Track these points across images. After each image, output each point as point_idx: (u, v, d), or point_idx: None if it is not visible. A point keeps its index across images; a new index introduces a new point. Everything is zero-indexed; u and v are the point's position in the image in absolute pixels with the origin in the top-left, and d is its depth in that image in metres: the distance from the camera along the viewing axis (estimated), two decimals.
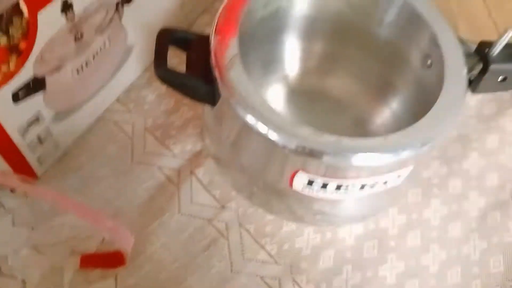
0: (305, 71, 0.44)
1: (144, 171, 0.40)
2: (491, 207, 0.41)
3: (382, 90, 0.42)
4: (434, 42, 0.34)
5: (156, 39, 0.32)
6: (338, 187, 0.31)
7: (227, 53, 0.30)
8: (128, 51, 0.41)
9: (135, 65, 0.44)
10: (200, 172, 0.40)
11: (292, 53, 0.43)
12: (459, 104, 0.31)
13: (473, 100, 0.47)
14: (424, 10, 0.35)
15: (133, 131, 0.42)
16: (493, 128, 0.45)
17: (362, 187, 0.31)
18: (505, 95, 0.48)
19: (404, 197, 0.41)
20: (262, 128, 0.28)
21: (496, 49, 0.33)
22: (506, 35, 0.32)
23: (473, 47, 0.35)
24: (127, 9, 0.38)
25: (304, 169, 0.30)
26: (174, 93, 0.44)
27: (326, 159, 0.28)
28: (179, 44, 0.33)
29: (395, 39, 0.38)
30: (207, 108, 0.36)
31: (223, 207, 0.39)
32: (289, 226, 0.39)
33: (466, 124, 0.46)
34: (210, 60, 0.30)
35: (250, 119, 0.28)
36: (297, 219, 0.39)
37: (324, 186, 0.31)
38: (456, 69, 0.32)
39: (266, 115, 0.29)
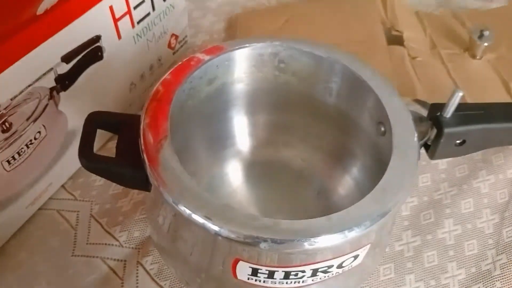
0: (259, 145, 0.42)
1: (87, 264, 0.37)
2: (473, 280, 0.38)
3: (341, 158, 0.40)
4: (381, 108, 0.32)
5: (83, 123, 0.31)
6: (287, 275, 0.28)
7: (156, 136, 0.28)
8: (70, 137, 0.39)
9: None
10: (147, 261, 0.37)
11: (242, 128, 0.41)
12: (409, 173, 0.28)
13: (444, 163, 0.45)
14: (367, 76, 0.33)
15: (78, 220, 0.39)
16: (467, 192, 0.43)
17: (314, 273, 0.28)
18: (475, 156, 0.46)
19: (375, 275, 0.37)
20: (192, 215, 0.25)
21: (448, 112, 0.31)
22: (454, 97, 0.30)
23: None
24: (65, 95, 0.37)
25: (244, 258, 0.27)
26: None
27: (263, 246, 0.25)
28: (109, 128, 0.31)
29: (345, 106, 0.37)
30: (146, 193, 0.34)
31: None
32: None
33: (438, 189, 0.43)
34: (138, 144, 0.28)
35: (179, 205, 0.26)
36: None
37: (271, 275, 0.28)
38: (405, 136, 0.30)
39: (196, 201, 0.26)
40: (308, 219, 0.26)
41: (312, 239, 0.25)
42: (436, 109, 0.32)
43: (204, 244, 0.28)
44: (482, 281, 0.38)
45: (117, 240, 0.38)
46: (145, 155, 0.28)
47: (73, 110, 0.39)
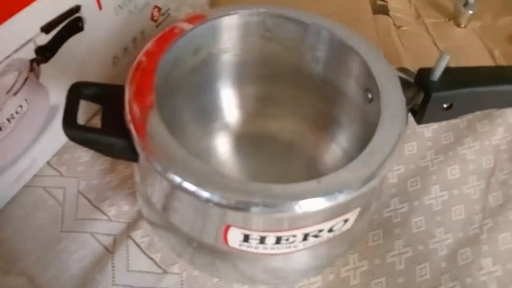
0: (246, 117, 0.42)
1: (75, 240, 0.36)
2: (460, 244, 0.38)
3: (328, 129, 0.40)
4: (369, 75, 0.32)
5: (67, 93, 0.30)
6: (278, 240, 0.28)
7: (142, 106, 0.28)
8: (53, 111, 0.38)
9: None
10: (138, 235, 0.36)
11: (229, 100, 0.41)
12: (397, 137, 0.28)
13: (429, 131, 0.46)
14: (354, 42, 0.33)
15: (65, 197, 0.39)
16: (453, 158, 0.43)
17: (305, 237, 0.28)
18: (461, 123, 0.47)
19: (364, 241, 0.38)
20: (183, 182, 0.25)
21: (435, 76, 0.31)
22: (442, 59, 0.30)
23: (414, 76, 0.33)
24: (46, 67, 0.36)
25: (236, 224, 0.27)
26: None
27: (255, 210, 0.25)
28: (93, 98, 0.31)
29: (331, 75, 0.36)
30: (133, 165, 0.33)
31: (165, 272, 0.35)
32: None
33: (424, 156, 0.44)
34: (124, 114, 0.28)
35: (168, 173, 0.25)
36: (247, 280, 0.35)
37: (262, 240, 0.28)
38: (393, 101, 0.30)
39: (185, 168, 0.26)
40: (298, 183, 0.26)
41: (302, 202, 0.25)
42: (423, 73, 0.32)
43: (196, 212, 0.28)
44: (470, 245, 0.38)
45: (106, 215, 0.38)
46: (132, 125, 0.27)
47: (56, 84, 0.37)
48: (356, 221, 0.30)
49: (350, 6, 0.53)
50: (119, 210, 0.38)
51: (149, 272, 0.35)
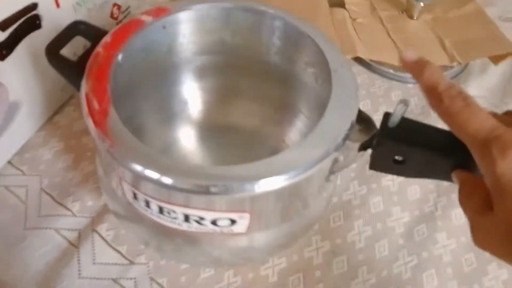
0: (208, 109, 0.42)
1: (39, 236, 0.36)
2: (416, 222, 0.40)
3: (289, 116, 0.41)
4: (323, 60, 0.32)
5: (67, 25, 0.32)
6: (161, 210, 0.28)
7: (101, 101, 0.28)
8: (13, 109, 0.38)
9: (27, 123, 0.41)
10: (103, 228, 0.37)
11: (191, 92, 0.41)
12: (348, 116, 0.29)
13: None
14: (308, 30, 0.34)
15: (27, 195, 0.39)
16: None
17: (186, 218, 0.28)
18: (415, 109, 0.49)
19: (326, 223, 0.39)
20: (144, 171, 0.25)
21: (393, 122, 0.27)
22: (397, 107, 0.26)
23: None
24: (3, 65, 0.36)
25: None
26: (73, 148, 0.42)
27: (214, 190, 0.25)
28: (87, 36, 0.32)
29: (289, 63, 0.37)
30: (97, 160, 0.33)
31: (131, 262, 0.36)
32: (207, 273, 0.36)
33: None
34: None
35: (130, 163, 0.25)
36: (215, 263, 0.36)
37: (147, 204, 0.28)
38: (344, 84, 0.31)
39: (146, 157, 0.25)
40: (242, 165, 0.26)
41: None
42: (386, 117, 0.28)
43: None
44: (425, 221, 0.40)
45: (70, 211, 0.38)
46: (91, 120, 0.27)
47: (14, 82, 0.37)
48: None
49: None
50: (83, 205, 0.38)
51: (116, 264, 0.35)
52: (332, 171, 0.30)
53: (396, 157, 0.28)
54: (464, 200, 0.25)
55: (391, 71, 0.52)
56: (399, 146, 0.27)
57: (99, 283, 0.34)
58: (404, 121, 0.27)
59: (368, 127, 0.29)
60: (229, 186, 0.25)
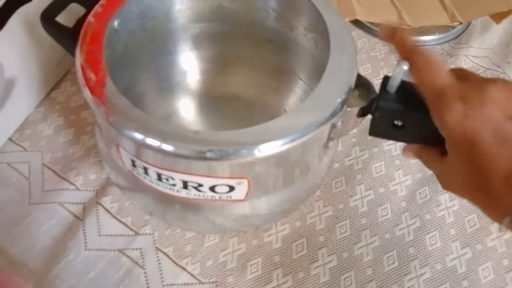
0: (208, 78, 0.42)
1: (44, 211, 0.36)
2: (419, 184, 0.40)
3: (288, 82, 0.40)
4: (319, 21, 0.31)
5: None
6: (159, 177, 0.28)
7: (96, 72, 0.27)
8: (9, 86, 0.38)
9: (26, 100, 0.41)
10: (107, 201, 0.37)
11: (188, 62, 0.40)
12: (347, 75, 0.28)
13: None
14: None
15: (30, 170, 0.39)
16: None
17: (185, 185, 0.27)
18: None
19: (328, 188, 0.39)
20: (145, 139, 0.25)
21: (392, 86, 0.26)
22: (397, 69, 0.26)
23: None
24: None
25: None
26: (73, 123, 0.42)
27: (209, 155, 0.25)
28: (83, 3, 0.32)
29: (286, 27, 0.36)
30: (97, 132, 0.33)
31: (136, 233, 0.36)
32: (211, 241, 0.36)
33: None
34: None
35: (130, 132, 0.25)
36: (219, 230, 0.36)
37: (146, 171, 0.28)
38: (344, 48, 0.29)
39: (145, 125, 0.25)
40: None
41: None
42: (385, 81, 0.27)
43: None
44: (427, 184, 0.40)
45: (73, 184, 0.38)
46: (87, 90, 0.27)
47: (9, 58, 0.37)
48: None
49: None
50: (86, 179, 0.38)
51: (121, 235, 0.36)
52: (331, 137, 0.30)
53: (395, 122, 0.28)
54: (425, 153, 0.28)
55: None
56: (398, 109, 0.27)
57: (105, 254, 0.35)
58: (404, 84, 0.26)
59: (367, 92, 0.28)
60: (225, 151, 0.24)
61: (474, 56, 0.52)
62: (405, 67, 0.25)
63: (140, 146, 0.26)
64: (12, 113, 0.39)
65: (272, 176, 0.30)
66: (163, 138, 0.24)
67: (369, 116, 0.28)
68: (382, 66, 0.49)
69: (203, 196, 0.29)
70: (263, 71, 0.41)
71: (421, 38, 0.52)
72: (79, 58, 0.28)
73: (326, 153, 0.33)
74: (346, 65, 0.29)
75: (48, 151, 0.40)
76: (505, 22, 0.52)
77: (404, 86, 0.26)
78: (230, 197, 0.29)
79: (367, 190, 0.39)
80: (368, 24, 0.52)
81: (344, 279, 0.35)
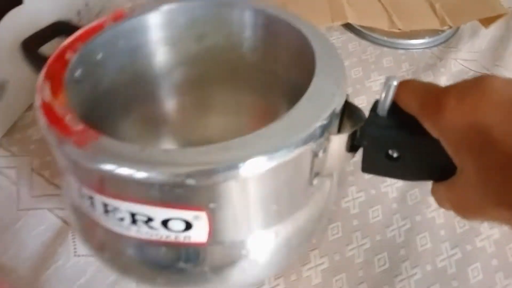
0: (188, 123, 0.38)
1: (33, 217, 0.36)
2: (409, 186, 0.40)
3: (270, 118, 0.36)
4: (309, 51, 0.27)
5: (50, 24, 0.31)
6: (106, 209, 0.23)
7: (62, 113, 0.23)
8: None
9: (14, 104, 0.41)
10: None
11: (168, 107, 0.37)
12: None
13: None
14: (288, 18, 0.29)
15: (18, 176, 0.38)
16: None
17: (133, 219, 0.23)
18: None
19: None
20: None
21: (383, 109, 0.23)
22: (386, 87, 0.22)
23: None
24: None
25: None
26: None
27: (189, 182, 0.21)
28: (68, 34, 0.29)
29: (268, 60, 0.33)
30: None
31: None
32: None
33: None
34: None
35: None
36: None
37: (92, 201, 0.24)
38: (328, 71, 0.26)
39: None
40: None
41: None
42: (376, 105, 0.24)
43: None
44: (418, 186, 0.41)
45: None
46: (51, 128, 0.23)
47: None
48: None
49: None
50: None
51: None
52: (314, 172, 0.25)
53: (390, 152, 0.24)
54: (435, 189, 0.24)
55: (383, 37, 0.52)
56: (390, 136, 0.23)
57: (95, 260, 0.34)
58: (395, 106, 0.23)
59: (355, 118, 0.25)
60: (173, 173, 0.20)
61: (463, 60, 0.52)
62: (395, 82, 0.22)
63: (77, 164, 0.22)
64: (1, 117, 0.39)
65: (239, 214, 0.24)
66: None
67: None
68: (373, 69, 0.49)
69: (156, 236, 0.24)
70: (247, 115, 0.38)
71: (411, 42, 0.52)
72: (40, 98, 0.24)
73: (312, 193, 0.28)
74: (330, 89, 0.25)
75: (37, 156, 0.40)
76: (493, 27, 0.53)
77: (397, 108, 0.23)
78: (189, 238, 0.24)
79: (359, 192, 0.39)
80: (359, 28, 0.52)
81: (336, 281, 0.35)
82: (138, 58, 0.32)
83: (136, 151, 0.21)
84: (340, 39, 0.53)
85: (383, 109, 0.23)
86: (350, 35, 0.53)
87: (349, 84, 0.47)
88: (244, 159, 0.21)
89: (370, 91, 0.47)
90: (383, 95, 0.22)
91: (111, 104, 0.31)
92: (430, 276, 0.36)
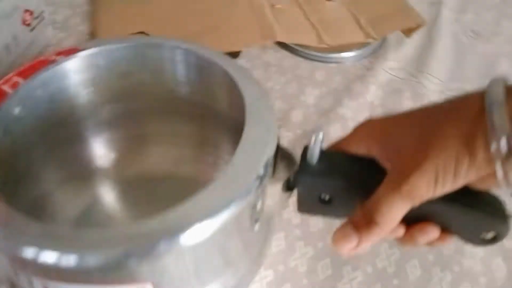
0: (127, 159, 0.38)
1: None
2: None
3: (211, 153, 0.37)
4: (238, 93, 0.28)
5: None
6: None
7: None
8: None
9: None
10: None
11: (103, 145, 0.37)
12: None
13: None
14: (216, 59, 0.30)
15: None
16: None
17: None
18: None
19: None
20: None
21: (313, 157, 0.25)
22: (314, 139, 0.24)
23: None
24: None
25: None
26: None
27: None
28: None
29: (199, 95, 0.34)
30: None
31: None
32: None
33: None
34: None
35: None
36: None
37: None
38: (258, 118, 0.26)
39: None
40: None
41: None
42: (306, 153, 0.26)
43: None
44: None
45: None
46: None
47: None
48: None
49: None
50: None
51: None
52: (254, 219, 0.26)
53: (322, 196, 0.26)
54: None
55: (316, 53, 0.54)
56: (320, 182, 0.25)
57: None
58: (326, 153, 0.25)
59: (289, 164, 0.26)
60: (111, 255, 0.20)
61: (391, 69, 0.56)
62: (321, 135, 0.24)
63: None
64: None
65: (186, 274, 0.25)
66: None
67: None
68: (307, 83, 0.52)
69: None
70: (188, 146, 0.38)
71: (342, 55, 0.55)
72: None
73: (254, 239, 0.29)
74: (263, 137, 0.25)
75: None
76: (416, 36, 0.57)
77: (326, 156, 0.25)
78: None
79: None
80: (291, 45, 0.55)
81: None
82: (58, 104, 0.31)
83: (64, 231, 0.20)
84: (275, 56, 0.55)
85: (312, 158, 0.24)
86: (284, 52, 0.55)
87: (284, 100, 0.49)
88: (184, 228, 0.21)
89: (305, 105, 0.49)
90: (312, 145, 0.24)
91: (31, 153, 0.30)
92: (371, 277, 0.37)
